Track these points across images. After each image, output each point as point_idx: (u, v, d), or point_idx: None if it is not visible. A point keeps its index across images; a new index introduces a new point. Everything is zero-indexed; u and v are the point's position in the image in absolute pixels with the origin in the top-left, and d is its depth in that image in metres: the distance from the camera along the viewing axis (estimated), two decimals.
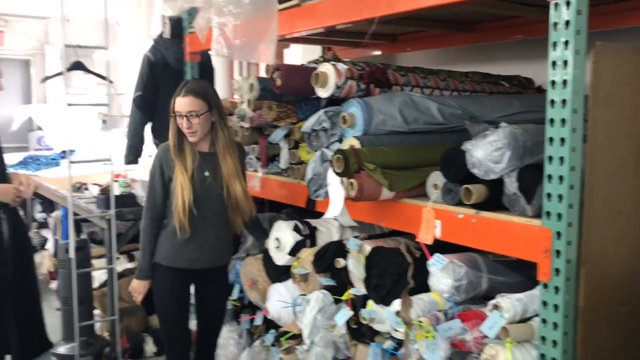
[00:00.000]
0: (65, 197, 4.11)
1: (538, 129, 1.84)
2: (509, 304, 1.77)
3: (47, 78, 4.80)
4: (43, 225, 6.02)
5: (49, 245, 5.51)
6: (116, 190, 3.68)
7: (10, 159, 6.28)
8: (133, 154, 3.88)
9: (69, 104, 3.48)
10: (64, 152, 5.81)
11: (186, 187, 2.52)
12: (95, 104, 3.46)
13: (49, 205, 5.91)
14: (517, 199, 1.78)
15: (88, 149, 4.95)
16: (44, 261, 5.40)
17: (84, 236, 4.62)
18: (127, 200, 3.89)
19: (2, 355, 3.29)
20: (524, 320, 1.80)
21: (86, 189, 4.54)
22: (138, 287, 2.72)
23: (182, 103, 2.56)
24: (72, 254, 3.56)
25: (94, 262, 4.06)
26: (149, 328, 4.07)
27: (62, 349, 3.73)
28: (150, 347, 3.87)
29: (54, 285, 5.07)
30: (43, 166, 6.09)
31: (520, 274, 2.11)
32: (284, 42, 3.98)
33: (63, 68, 3.66)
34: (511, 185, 1.78)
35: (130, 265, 4.52)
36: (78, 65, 3.96)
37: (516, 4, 2.43)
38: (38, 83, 8.27)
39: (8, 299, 3.32)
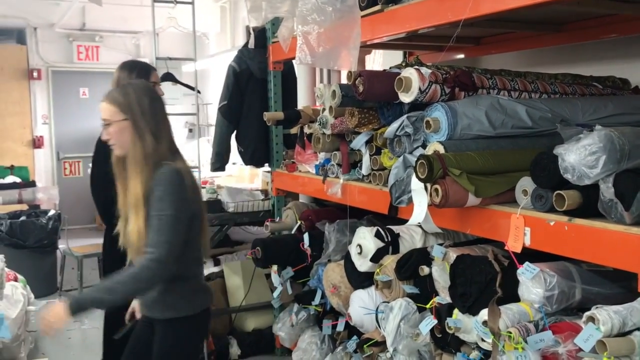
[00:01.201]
0: None
1: (636, 131, 1.75)
2: (606, 315, 1.68)
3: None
4: None
5: None
6: (204, 197, 3.80)
7: None
8: (219, 162, 4.00)
9: None
10: None
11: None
12: (184, 114, 3.61)
13: None
14: (613, 206, 1.69)
15: None
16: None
17: None
18: (214, 205, 4.03)
19: None
20: (623, 334, 1.70)
21: None
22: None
23: (100, 109, 2.20)
24: None
25: None
26: (234, 331, 4.17)
27: None
28: (235, 349, 3.96)
29: None
30: None
31: (617, 284, 2.00)
32: (366, 48, 3.99)
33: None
34: (607, 191, 1.70)
35: (216, 269, 4.66)
36: (168, 77, 4.14)
37: (611, 1, 2.32)
38: None
39: None
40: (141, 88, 2.21)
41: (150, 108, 2.15)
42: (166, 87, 4.27)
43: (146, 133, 2.11)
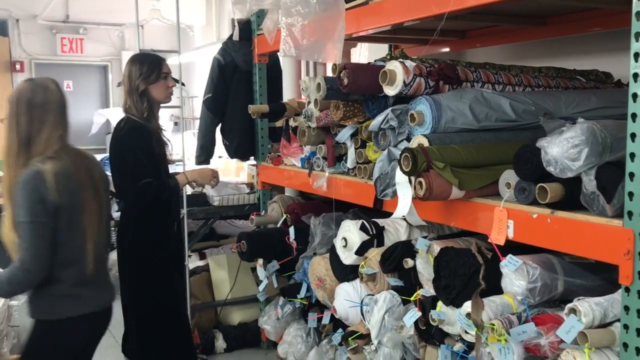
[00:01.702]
0: None
1: (618, 124, 1.75)
2: (588, 307, 1.69)
3: (122, 83, 4.99)
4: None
5: None
6: (188, 190, 3.78)
7: None
8: (204, 155, 3.97)
9: None
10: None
11: None
12: (169, 107, 3.57)
13: None
14: (595, 198, 1.70)
15: None
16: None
17: None
18: (198, 199, 4.00)
19: None
20: (604, 325, 1.71)
21: None
22: None
23: None
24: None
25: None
26: (220, 324, 4.17)
27: None
28: (220, 343, 3.96)
29: None
30: None
31: (599, 276, 2.02)
32: (351, 41, 3.98)
33: None
34: (589, 183, 1.71)
35: (201, 263, 4.64)
36: None
37: None
38: (115, 87, 8.64)
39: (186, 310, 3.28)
40: (27, 88, 2.18)
41: (27, 108, 2.13)
42: None
43: (15, 132, 2.11)
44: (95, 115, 8.44)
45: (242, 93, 3.78)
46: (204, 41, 7.68)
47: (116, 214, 6.36)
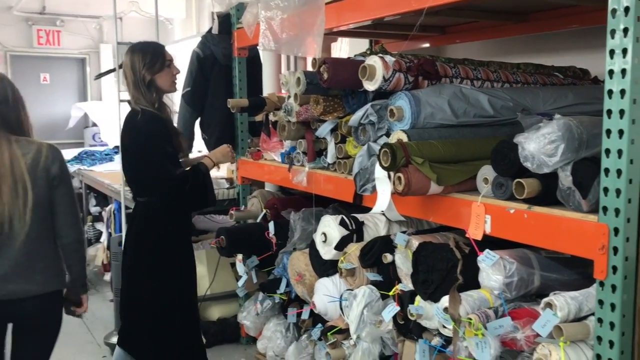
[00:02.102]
0: (118, 191, 4.22)
1: (594, 120, 1.77)
2: (563, 302, 1.71)
3: (99, 75, 4.95)
4: (97, 218, 6.20)
5: (103, 238, 5.68)
6: None
7: (66, 154, 6.52)
8: None
9: (122, 100, 3.57)
10: (117, 147, 5.97)
11: None
12: None
13: (103, 199, 6.09)
14: (571, 194, 1.72)
15: None
16: (98, 254, 5.57)
17: None
18: None
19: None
20: (579, 319, 1.74)
21: None
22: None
23: None
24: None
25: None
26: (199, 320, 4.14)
27: (115, 339, 3.84)
28: None
29: (107, 277, 5.23)
30: (97, 161, 6.29)
31: (574, 271, 2.04)
32: (331, 35, 3.97)
33: (116, 65, 3.75)
34: (565, 179, 1.72)
35: None
36: None
37: None
38: (93, 80, 8.54)
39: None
40: None
41: None
42: None
43: None
44: (73, 109, 8.33)
45: (222, 87, 3.76)
46: (183, 34, 7.63)
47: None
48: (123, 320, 3.04)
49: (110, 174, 5.33)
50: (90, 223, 6.16)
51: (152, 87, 2.81)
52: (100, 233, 5.96)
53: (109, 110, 7.46)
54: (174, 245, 2.92)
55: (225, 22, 3.73)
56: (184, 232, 3.01)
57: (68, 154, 6.49)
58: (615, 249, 1.57)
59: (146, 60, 2.79)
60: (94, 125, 8.38)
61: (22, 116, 2.39)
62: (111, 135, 7.32)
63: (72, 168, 6.03)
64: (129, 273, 2.96)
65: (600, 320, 1.62)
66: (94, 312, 4.50)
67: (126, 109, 3.55)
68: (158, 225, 2.88)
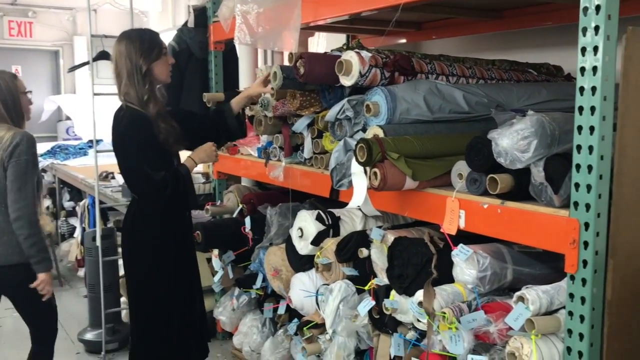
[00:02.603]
0: (92, 186, 4.17)
1: (566, 117, 1.80)
2: (535, 295, 1.74)
3: (73, 68, 4.88)
4: (71, 213, 6.12)
5: (77, 233, 5.60)
6: None
7: (39, 148, 6.41)
8: None
9: (96, 94, 3.52)
10: (91, 141, 5.89)
11: None
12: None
13: (77, 193, 6.00)
14: (544, 189, 1.74)
15: None
16: (71, 249, 5.50)
17: (110, 224, 4.69)
18: None
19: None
20: (550, 312, 1.77)
21: (113, 177, 4.59)
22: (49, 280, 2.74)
23: None
24: (98, 241, 3.62)
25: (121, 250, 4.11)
26: None
27: (88, 335, 3.80)
28: None
29: (81, 272, 5.16)
30: (71, 155, 6.20)
31: (546, 265, 2.07)
32: (308, 30, 3.96)
33: (90, 58, 3.70)
34: (538, 174, 1.75)
35: None
36: (104, 55, 3.99)
37: None
38: (67, 73, 8.40)
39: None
40: None
41: None
42: (102, 66, 4.14)
43: None
44: (46, 102, 8.19)
45: (197, 81, 3.73)
46: (159, 27, 7.53)
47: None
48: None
49: (84, 168, 5.26)
50: (64, 218, 6.07)
51: (147, 77, 2.62)
52: (74, 228, 5.89)
53: (83, 104, 7.35)
54: (165, 240, 2.78)
55: (202, 15, 3.70)
56: (176, 228, 2.83)
57: (41, 147, 6.38)
58: (586, 244, 1.60)
59: (143, 48, 2.60)
60: (68, 118, 8.26)
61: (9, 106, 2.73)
62: (85, 129, 7.22)
63: (45, 162, 5.94)
64: (125, 268, 2.87)
65: (570, 314, 1.65)
66: (67, 308, 4.44)
67: (100, 102, 3.49)
68: (148, 222, 2.76)
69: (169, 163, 2.70)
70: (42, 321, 2.85)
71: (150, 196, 2.70)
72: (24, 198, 2.63)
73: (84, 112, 7.26)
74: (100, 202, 3.97)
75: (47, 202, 6.23)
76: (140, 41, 2.61)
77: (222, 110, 2.92)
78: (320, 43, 5.09)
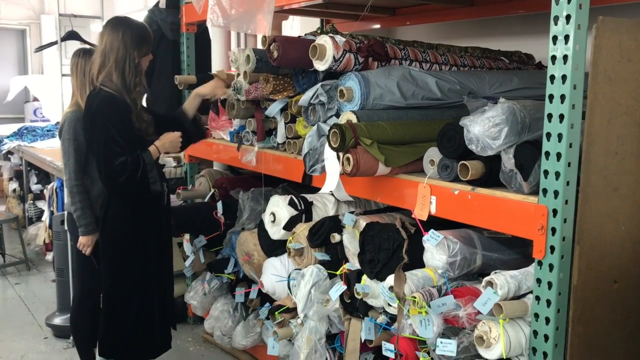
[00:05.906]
0: (61, 169, 4.09)
1: (537, 105, 1.82)
2: (503, 280, 1.77)
3: (40, 48, 4.76)
4: (39, 197, 6.00)
5: (45, 217, 5.50)
6: None
7: (5, 130, 6.26)
8: None
9: (64, 75, 3.45)
10: (59, 123, 5.77)
11: None
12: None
13: (44, 176, 5.89)
14: (513, 176, 1.76)
15: None
16: (39, 233, 5.40)
17: None
18: None
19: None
20: (518, 297, 1.80)
21: None
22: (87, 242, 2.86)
23: None
24: (67, 225, 3.55)
25: None
26: None
27: (57, 320, 3.75)
28: None
29: (49, 256, 5.08)
30: (39, 137, 6.06)
31: (515, 251, 2.11)
32: (282, 13, 3.93)
33: (58, 38, 3.61)
34: (508, 161, 1.77)
35: None
36: (73, 35, 3.91)
37: None
38: (34, 53, 8.20)
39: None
40: None
41: None
42: (71, 46, 4.05)
43: None
44: (12, 82, 7.99)
45: (169, 63, 3.67)
46: (129, 8, 7.38)
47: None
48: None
49: (52, 150, 5.14)
50: (32, 201, 5.95)
51: (138, 68, 2.61)
52: (42, 211, 5.78)
53: (51, 85, 7.18)
54: (137, 225, 2.71)
55: None
56: (149, 213, 2.75)
57: (7, 129, 6.23)
58: (554, 230, 1.63)
59: (140, 40, 2.59)
60: (35, 99, 8.06)
61: None
62: (53, 111, 7.06)
63: (12, 144, 5.80)
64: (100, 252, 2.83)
65: (537, 298, 1.68)
66: (35, 293, 4.37)
67: (69, 83, 3.42)
68: (120, 205, 2.69)
69: (134, 150, 2.61)
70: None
71: (107, 181, 2.61)
72: None
73: (52, 93, 7.10)
74: None
75: (14, 185, 6.10)
76: (138, 33, 2.62)
77: (178, 116, 2.89)
78: (294, 27, 5.04)
